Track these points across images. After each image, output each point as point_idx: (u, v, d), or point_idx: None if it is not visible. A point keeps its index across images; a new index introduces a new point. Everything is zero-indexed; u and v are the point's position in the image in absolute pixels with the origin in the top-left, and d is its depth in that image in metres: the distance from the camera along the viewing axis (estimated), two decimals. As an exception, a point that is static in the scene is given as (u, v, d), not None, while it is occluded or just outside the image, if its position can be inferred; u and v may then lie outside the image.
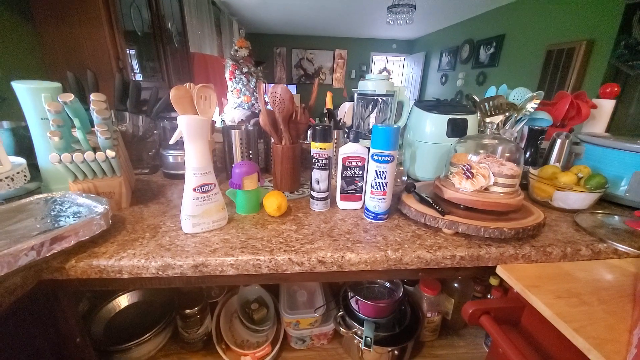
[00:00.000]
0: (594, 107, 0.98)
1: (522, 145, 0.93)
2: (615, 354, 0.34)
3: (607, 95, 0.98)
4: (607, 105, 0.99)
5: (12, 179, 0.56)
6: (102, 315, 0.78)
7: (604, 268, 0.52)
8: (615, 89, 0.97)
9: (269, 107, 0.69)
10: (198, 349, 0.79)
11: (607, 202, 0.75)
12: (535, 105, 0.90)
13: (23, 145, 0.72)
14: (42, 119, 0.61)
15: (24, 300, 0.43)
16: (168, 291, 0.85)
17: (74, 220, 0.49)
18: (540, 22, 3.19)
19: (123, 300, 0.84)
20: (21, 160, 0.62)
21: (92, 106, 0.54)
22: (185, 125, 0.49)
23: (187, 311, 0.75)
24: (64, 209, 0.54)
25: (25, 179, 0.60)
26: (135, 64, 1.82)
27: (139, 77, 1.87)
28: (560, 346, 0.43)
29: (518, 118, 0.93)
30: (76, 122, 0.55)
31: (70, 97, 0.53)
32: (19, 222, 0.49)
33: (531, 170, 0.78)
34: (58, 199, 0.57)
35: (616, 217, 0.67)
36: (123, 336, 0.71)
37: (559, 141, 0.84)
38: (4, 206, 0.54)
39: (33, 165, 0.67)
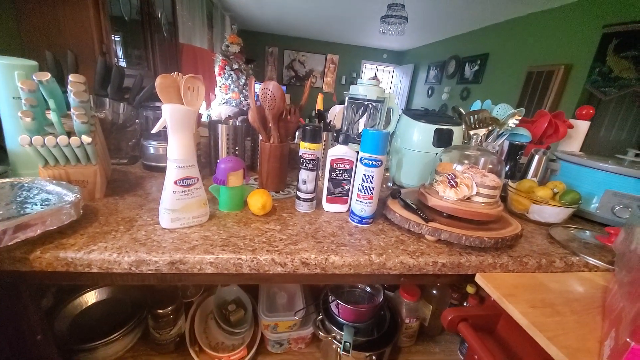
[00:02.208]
0: (571, 126, 1.04)
1: (503, 158, 0.96)
2: (585, 363, 0.35)
3: (583, 117, 1.04)
4: (582, 126, 1.05)
5: (-26, 161, 0.52)
6: (68, 311, 0.73)
7: (576, 280, 0.54)
8: (591, 111, 1.03)
9: (259, 103, 0.68)
10: (169, 350, 0.76)
11: (579, 217, 0.79)
12: (517, 122, 0.94)
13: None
14: (13, 97, 0.57)
15: (-23, 293, 0.40)
16: (140, 289, 0.81)
17: (42, 208, 0.46)
18: (523, 44, 3.36)
19: (91, 297, 0.79)
20: (-15, 141, 0.57)
21: (69, 87, 0.51)
22: (170, 115, 0.47)
23: (160, 311, 0.72)
24: (31, 195, 0.50)
25: (-12, 161, 0.55)
26: (119, 51, 1.75)
27: (122, 64, 1.79)
28: (533, 354, 0.44)
29: (500, 133, 0.97)
30: (51, 103, 0.51)
31: (46, 75, 0.50)
32: (-21, 207, 0.45)
33: (510, 183, 0.81)
34: (26, 185, 0.53)
35: (587, 232, 0.70)
36: (89, 335, 0.67)
37: (536, 157, 0.88)
38: (-38, 189, 0.49)
39: (1, 148, 0.62)
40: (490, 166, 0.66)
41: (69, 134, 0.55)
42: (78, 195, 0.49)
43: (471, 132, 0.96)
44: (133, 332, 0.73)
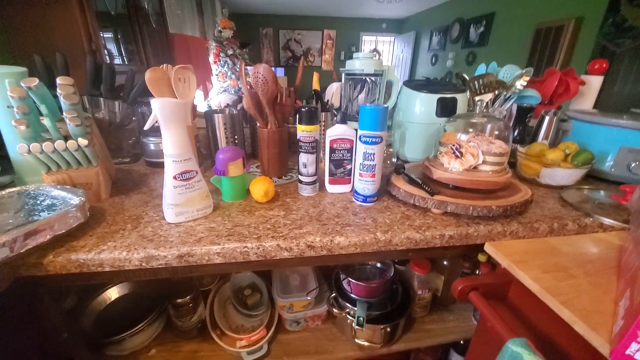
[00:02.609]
0: (583, 83, 0.98)
1: (511, 123, 0.92)
2: (600, 325, 0.35)
3: (596, 72, 0.98)
4: (595, 82, 0.99)
5: (-22, 173, 0.53)
6: (92, 308, 0.77)
7: (590, 242, 0.53)
8: (604, 65, 0.97)
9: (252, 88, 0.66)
10: (193, 336, 0.79)
11: (593, 177, 0.76)
12: (524, 83, 0.89)
13: (-9, 136, 0.68)
14: (7, 107, 0.57)
15: (1, 299, 0.41)
16: (158, 282, 0.84)
17: (49, 214, 0.46)
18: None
19: (113, 293, 0.83)
20: (-13, 152, 0.58)
21: (58, 91, 0.50)
22: (160, 109, 0.46)
23: (179, 300, 0.74)
24: (38, 202, 0.51)
25: (-7, 172, 0.56)
26: (112, 48, 1.72)
27: (118, 61, 1.77)
28: (546, 319, 0.44)
29: (507, 96, 0.92)
30: (43, 108, 0.51)
31: (34, 81, 0.49)
32: (-11, 217, 0.46)
33: (519, 148, 0.78)
34: (32, 192, 0.54)
35: (602, 191, 0.68)
36: (115, 328, 0.71)
37: (547, 118, 0.84)
38: (-28, 201, 0.50)
39: (5, 157, 0.63)
40: (497, 132, 0.63)
41: (66, 138, 0.55)
42: (82, 198, 0.50)
43: (476, 99, 0.93)
44: (156, 322, 0.77)
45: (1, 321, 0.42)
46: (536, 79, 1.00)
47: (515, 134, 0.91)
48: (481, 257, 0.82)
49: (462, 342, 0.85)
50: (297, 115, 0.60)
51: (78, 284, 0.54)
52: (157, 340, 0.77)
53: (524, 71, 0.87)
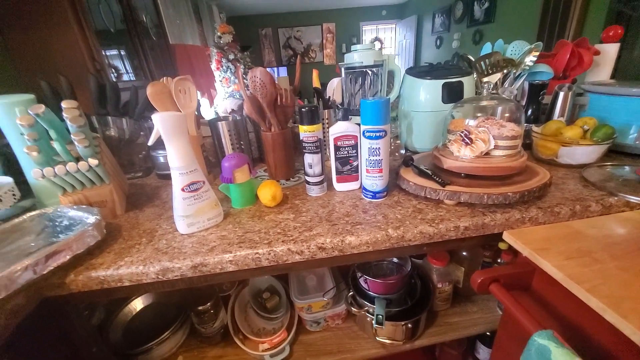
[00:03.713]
0: (597, 53, 0.92)
1: (523, 102, 0.88)
2: (632, 311, 0.33)
3: (611, 39, 0.92)
4: (610, 50, 0.93)
5: (0, 200, 0.55)
6: (119, 321, 0.80)
7: (616, 222, 0.50)
8: (619, 31, 0.91)
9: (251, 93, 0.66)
10: (217, 341, 0.81)
11: (616, 152, 0.72)
12: (534, 58, 0.85)
13: (10, 164, 0.71)
14: (21, 134, 0.59)
15: (31, 319, 0.43)
16: (179, 291, 0.86)
17: (67, 235, 0.48)
18: (536, -34, 2.98)
19: (137, 304, 0.85)
20: (8, 180, 0.60)
21: (64, 115, 0.52)
22: (161, 124, 0.47)
23: (200, 307, 0.76)
24: (57, 223, 0.53)
25: (14, 198, 0.59)
26: (119, 65, 1.76)
27: (125, 77, 1.81)
28: (574, 308, 0.42)
29: (517, 74, 0.88)
30: (52, 133, 0.52)
31: (41, 108, 0.51)
32: (13, 242, 0.48)
33: (534, 128, 0.75)
34: (50, 214, 0.56)
35: (626, 167, 0.64)
36: (142, 338, 0.73)
37: (561, 94, 0.80)
38: (-2, 227, 0.53)
39: (25, 182, 0.65)
40: (508, 114, 0.60)
41: (77, 159, 0.56)
42: (98, 217, 0.52)
43: (484, 80, 0.89)
44: (181, 329, 0.79)
45: (32, 340, 0.44)
46: (547, 53, 0.95)
47: (529, 113, 0.87)
48: (502, 245, 0.80)
49: (488, 333, 0.83)
50: (299, 116, 0.59)
51: (101, 299, 0.56)
52: (183, 347, 0.79)
53: (533, 46, 0.83)
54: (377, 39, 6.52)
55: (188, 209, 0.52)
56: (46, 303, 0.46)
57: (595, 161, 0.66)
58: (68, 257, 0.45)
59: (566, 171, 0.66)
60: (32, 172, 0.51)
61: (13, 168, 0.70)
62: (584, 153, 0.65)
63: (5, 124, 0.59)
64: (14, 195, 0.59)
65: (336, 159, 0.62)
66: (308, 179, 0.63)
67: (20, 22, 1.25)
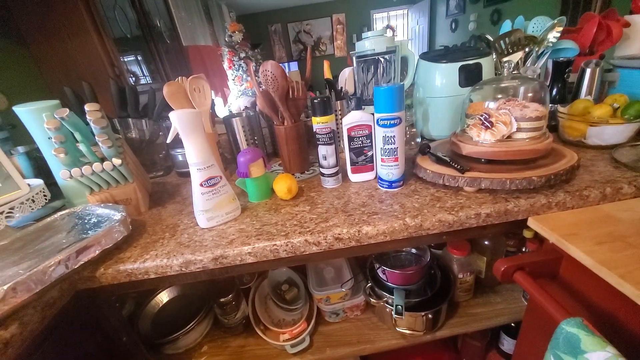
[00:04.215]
0: (627, 25, 0.85)
1: (547, 82, 0.83)
2: (670, 297, 0.31)
3: (643, 8, 0.85)
4: (642, 21, 0.85)
5: (33, 201, 0.59)
6: (147, 312, 0.84)
7: (652, 204, 0.47)
8: (654, -1, 0.83)
9: (263, 88, 0.66)
10: (239, 332, 0.84)
11: (651, 130, 0.67)
12: (558, 34, 0.80)
13: (41, 167, 0.75)
14: (48, 138, 0.62)
15: (65, 311, 0.46)
16: (202, 283, 0.89)
17: (96, 231, 0.50)
18: (559, -64, 2.79)
19: (164, 297, 0.89)
20: (39, 182, 0.64)
21: (88, 117, 0.54)
22: (178, 121, 0.48)
23: (222, 299, 0.78)
24: (85, 221, 0.56)
25: (45, 199, 0.62)
26: (137, 69, 1.82)
27: (143, 81, 1.87)
28: (606, 295, 0.40)
29: (540, 52, 0.84)
30: (77, 135, 0.55)
31: (65, 112, 0.53)
32: (47, 239, 0.51)
33: (560, 108, 0.71)
34: (79, 213, 0.59)
35: (663, 145, 0.59)
36: (169, 328, 0.76)
37: (588, 71, 0.75)
38: (33, 226, 0.56)
39: (55, 184, 0.69)
40: (531, 94, 0.57)
41: (102, 160, 0.59)
42: (124, 213, 0.54)
43: (504, 60, 0.85)
44: (205, 320, 0.82)
45: (68, 330, 0.47)
46: (571, 28, 0.89)
47: (554, 93, 0.82)
48: (527, 233, 0.77)
49: (512, 324, 0.80)
50: (311, 108, 0.59)
51: (130, 291, 0.58)
52: (207, 338, 0.82)
53: (556, 21, 0.78)
54: (388, 26, 6.35)
55: (207, 204, 0.53)
56: (79, 295, 0.49)
57: (626, 141, 0.61)
58: (97, 251, 0.47)
59: (595, 152, 0.62)
60: (61, 173, 0.54)
61: (43, 171, 0.74)
62: (615, 133, 0.60)
63: (34, 130, 0.62)
64: (45, 196, 0.63)
65: (350, 149, 0.61)
66: (323, 170, 0.63)
67: (44, 34, 1.32)
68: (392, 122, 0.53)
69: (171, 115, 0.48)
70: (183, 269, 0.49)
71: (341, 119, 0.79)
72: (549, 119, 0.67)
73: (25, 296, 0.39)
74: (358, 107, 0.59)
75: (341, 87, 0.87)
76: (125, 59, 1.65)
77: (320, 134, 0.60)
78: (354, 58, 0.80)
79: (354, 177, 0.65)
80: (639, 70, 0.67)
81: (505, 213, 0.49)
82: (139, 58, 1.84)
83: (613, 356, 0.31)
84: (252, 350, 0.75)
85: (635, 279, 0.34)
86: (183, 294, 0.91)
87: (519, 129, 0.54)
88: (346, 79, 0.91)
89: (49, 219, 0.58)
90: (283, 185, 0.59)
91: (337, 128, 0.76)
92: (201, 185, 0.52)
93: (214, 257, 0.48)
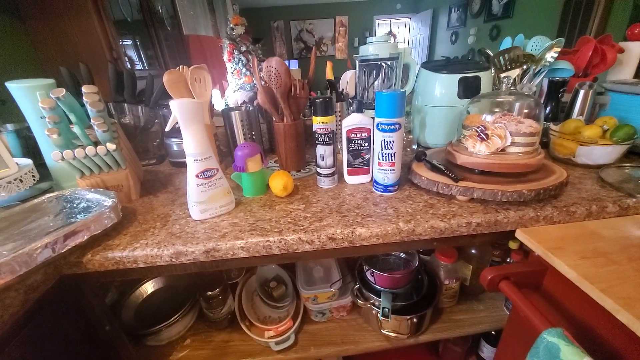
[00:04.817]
0: (621, 51, 0.89)
1: (542, 100, 0.86)
2: (647, 313, 0.32)
3: (636, 37, 0.88)
4: (635, 48, 0.89)
5: (21, 180, 0.57)
6: (131, 302, 0.82)
7: (634, 224, 0.49)
8: (647, 28, 0.87)
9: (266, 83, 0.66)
10: (224, 326, 0.83)
11: (636, 154, 0.70)
12: (555, 55, 0.82)
13: (30, 146, 0.73)
14: (41, 117, 0.61)
15: (49, 295, 0.45)
16: (189, 275, 0.88)
17: (85, 216, 0.49)
18: (559, -41, 2.87)
19: (149, 287, 0.88)
20: (28, 161, 0.62)
21: (85, 99, 0.53)
22: (179, 110, 0.47)
23: (209, 293, 0.78)
24: (74, 205, 0.55)
25: (34, 179, 0.60)
26: (133, 54, 1.79)
27: (139, 66, 1.84)
28: (586, 308, 0.41)
29: (537, 70, 0.86)
30: (72, 117, 0.54)
31: (62, 91, 0.52)
32: (33, 221, 0.50)
33: (552, 126, 0.73)
34: (68, 196, 0.58)
35: (647, 169, 0.62)
36: (152, 320, 0.75)
37: (582, 92, 0.77)
38: (18, 207, 0.55)
39: (43, 165, 0.67)
40: (527, 110, 0.59)
41: (96, 143, 0.58)
42: (115, 200, 0.53)
43: (502, 76, 0.87)
44: (189, 313, 0.81)
45: (50, 315, 0.46)
46: (568, 49, 0.92)
47: (547, 111, 0.85)
48: (512, 245, 0.79)
49: (493, 332, 0.83)
50: (312, 107, 0.59)
51: (116, 279, 0.57)
52: (191, 331, 0.81)
53: (554, 42, 0.80)
54: (390, 33, 6.41)
55: (201, 195, 0.53)
56: (64, 280, 0.48)
57: (613, 162, 0.64)
58: (86, 237, 0.46)
59: (583, 171, 0.64)
60: (52, 155, 0.53)
61: (32, 151, 0.72)
62: (603, 153, 0.63)
63: (26, 108, 0.61)
64: (33, 176, 0.61)
65: (348, 151, 0.62)
66: (319, 170, 0.63)
67: (42, 11, 1.28)
68: (392, 127, 0.54)
69: (172, 103, 0.48)
70: (173, 260, 0.48)
71: (341, 120, 0.80)
72: (541, 136, 0.70)
73: (9, 278, 0.38)
74: (359, 110, 0.59)
75: (342, 89, 0.87)
76: (124, 43, 1.61)
77: (320, 134, 0.60)
78: (357, 61, 0.80)
79: (349, 179, 0.65)
80: (629, 95, 0.70)
81: (495, 223, 0.51)
82: (138, 43, 1.80)
83: (590, 367, 0.33)
84: (236, 346, 0.75)
85: (616, 294, 0.35)
86: (168, 286, 0.89)
87: (513, 143, 0.55)
88: (348, 81, 0.91)
89: (36, 201, 0.57)
90: (279, 182, 0.59)
91: (337, 129, 0.76)
92: (197, 176, 0.52)
93: (206, 249, 0.48)
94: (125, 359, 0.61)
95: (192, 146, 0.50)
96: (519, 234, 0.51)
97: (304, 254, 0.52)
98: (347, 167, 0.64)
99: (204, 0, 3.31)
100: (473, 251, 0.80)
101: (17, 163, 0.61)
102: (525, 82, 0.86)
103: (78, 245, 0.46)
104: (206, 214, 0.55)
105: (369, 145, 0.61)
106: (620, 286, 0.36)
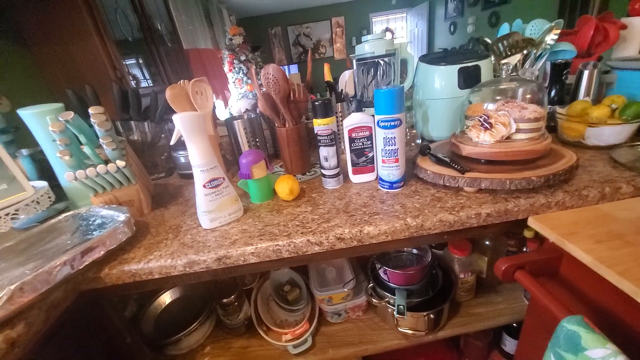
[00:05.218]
0: (624, 27, 0.86)
1: (546, 84, 0.84)
2: (669, 294, 0.31)
3: (638, 12, 0.86)
4: (638, 24, 0.86)
5: (38, 202, 0.59)
6: (150, 314, 0.84)
7: (650, 203, 0.47)
8: (650, 1, 0.84)
9: (265, 90, 0.67)
10: (242, 333, 0.84)
11: (648, 131, 0.67)
12: (556, 37, 0.81)
13: (44, 169, 0.76)
14: (52, 140, 0.63)
15: (70, 312, 0.46)
16: (205, 284, 0.89)
17: (100, 232, 0.51)
18: (555, -61, 2.82)
19: (166, 298, 0.89)
20: (43, 184, 0.65)
21: (92, 120, 0.55)
22: (182, 124, 0.49)
23: (225, 300, 0.79)
24: (90, 222, 0.56)
25: (50, 200, 0.63)
26: (137, 72, 1.83)
27: (144, 84, 1.88)
28: (605, 293, 0.40)
29: (538, 54, 0.85)
30: (82, 138, 0.56)
31: (70, 115, 0.54)
32: (52, 240, 0.52)
33: (558, 109, 0.72)
34: (84, 214, 0.60)
35: (661, 145, 0.60)
36: (172, 330, 0.76)
37: (586, 72, 0.76)
38: (37, 228, 0.57)
39: (58, 186, 0.70)
40: (530, 96, 0.58)
41: (106, 162, 0.60)
42: (128, 215, 0.54)
43: (502, 62, 0.86)
44: (207, 321, 0.82)
45: (72, 331, 0.47)
46: (569, 30, 0.90)
47: (552, 94, 0.83)
48: (527, 233, 0.77)
49: (514, 324, 0.81)
50: (312, 110, 0.60)
51: (133, 292, 0.59)
52: (210, 339, 0.82)
53: (553, 24, 0.79)
54: (387, 29, 6.39)
55: (210, 205, 0.54)
56: (83, 296, 0.49)
57: (625, 141, 0.62)
58: (102, 252, 0.48)
59: (594, 153, 0.63)
60: (65, 175, 0.55)
61: (46, 173, 0.74)
62: (613, 133, 0.61)
63: (38, 132, 0.63)
64: (49, 197, 0.64)
65: (351, 150, 0.62)
66: (324, 172, 0.64)
67: (46, 37, 1.33)
68: (393, 123, 0.54)
69: (175, 118, 0.49)
70: (187, 269, 0.49)
71: (342, 120, 0.80)
72: (548, 120, 0.68)
73: (32, 296, 0.40)
74: (359, 109, 0.59)
75: (341, 90, 0.88)
76: (127, 62, 1.66)
77: (322, 136, 0.60)
78: (354, 61, 0.81)
79: (355, 178, 0.65)
80: (636, 72, 0.68)
81: (505, 213, 0.50)
82: (140, 61, 1.85)
83: (613, 353, 0.32)
84: (254, 351, 0.76)
85: (634, 276, 0.34)
86: (185, 295, 0.91)
87: (518, 130, 0.54)
88: (346, 81, 0.92)
89: (53, 221, 0.59)
90: (285, 186, 0.60)
91: (338, 130, 0.76)
92: (204, 186, 0.53)
93: (218, 257, 0.49)
94: (147, 369, 0.62)
95: (197, 157, 0.51)
96: (531, 222, 0.50)
97: (314, 255, 0.52)
98: (352, 166, 0.64)
99: (201, 14, 3.38)
100: (487, 242, 0.79)
101: (33, 186, 0.63)
102: (527, 67, 0.85)
103: (95, 260, 0.47)
104: (216, 222, 0.56)
105: (372, 143, 0.61)
106: (638, 268, 0.35)
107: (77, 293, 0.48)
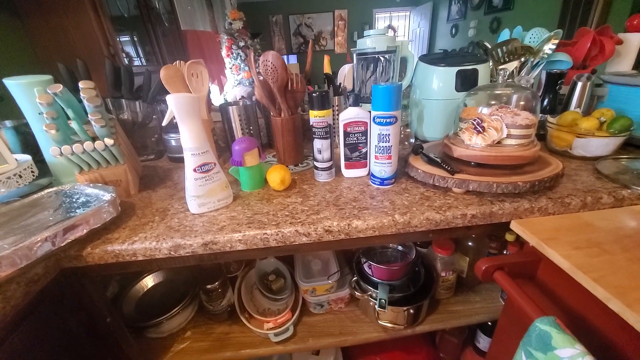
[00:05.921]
0: (620, 42, 0.88)
1: (540, 92, 0.86)
2: (637, 301, 0.33)
3: (635, 28, 0.88)
4: (634, 40, 0.89)
5: (20, 176, 0.57)
6: (132, 295, 0.83)
7: (628, 215, 0.49)
8: (646, 19, 0.86)
9: (262, 78, 0.66)
10: (224, 319, 0.84)
11: (632, 145, 0.70)
12: (554, 46, 0.82)
13: (28, 142, 0.73)
14: (39, 113, 0.61)
15: (50, 288, 0.46)
16: (189, 269, 0.89)
17: (84, 210, 0.50)
18: (561, -50, 2.83)
19: (149, 281, 0.89)
20: (27, 157, 0.63)
21: (82, 95, 0.53)
22: (175, 105, 0.48)
23: (209, 286, 0.78)
24: (74, 200, 0.55)
25: (33, 175, 0.61)
26: (131, 50, 1.78)
27: (137, 62, 1.83)
28: (579, 297, 0.42)
29: (535, 63, 0.86)
30: (69, 112, 0.54)
31: (59, 87, 0.52)
32: (33, 216, 0.51)
33: (549, 118, 0.73)
34: (68, 191, 0.58)
35: (643, 160, 0.62)
36: (153, 312, 0.76)
37: (579, 84, 0.77)
38: (18, 202, 0.55)
39: (42, 161, 0.68)
40: (523, 103, 0.59)
41: (94, 139, 0.58)
42: (113, 194, 0.53)
43: (500, 68, 0.87)
44: (190, 306, 0.82)
45: (51, 307, 0.47)
46: (567, 41, 0.92)
47: (545, 103, 0.85)
48: (509, 237, 0.79)
49: (489, 323, 0.84)
50: (309, 101, 0.59)
51: (116, 272, 0.58)
52: (191, 323, 0.82)
53: (552, 33, 0.80)
54: (390, 26, 6.35)
55: (199, 190, 0.53)
56: (64, 273, 0.49)
57: (610, 153, 0.64)
58: (85, 231, 0.47)
59: (580, 163, 0.65)
60: (51, 150, 0.53)
61: (31, 147, 0.72)
62: (599, 145, 0.63)
63: (24, 104, 0.61)
64: (32, 172, 0.62)
65: (345, 145, 0.62)
66: (317, 164, 0.64)
67: (39, 7, 1.27)
68: (389, 120, 0.54)
69: (168, 98, 0.48)
70: (172, 253, 0.49)
71: (338, 114, 0.80)
72: (538, 128, 0.69)
73: (10, 271, 0.39)
74: (356, 104, 0.59)
75: (340, 83, 0.87)
76: (121, 39, 1.60)
77: (317, 128, 0.60)
78: (354, 55, 0.80)
79: (347, 173, 0.66)
80: (627, 87, 0.70)
81: (490, 215, 0.51)
82: (135, 39, 1.79)
83: (581, 353, 0.33)
84: (235, 338, 0.76)
85: (608, 283, 0.36)
86: (168, 279, 0.90)
87: (509, 136, 0.55)
88: (345, 75, 0.91)
89: (35, 196, 0.57)
90: (277, 176, 0.60)
91: (334, 123, 0.76)
92: (195, 170, 0.52)
93: (204, 242, 0.48)
94: (126, 350, 0.62)
95: (189, 140, 0.50)
96: (513, 225, 0.51)
97: (301, 246, 0.52)
98: (345, 160, 0.64)
99: (201, -5, 3.28)
100: (470, 243, 0.81)
101: (16, 159, 0.61)
102: (523, 74, 0.86)
103: (78, 239, 0.46)
104: (204, 207, 0.55)
105: (366, 138, 0.61)
106: (612, 275, 0.37)
107: (59, 270, 0.47)
